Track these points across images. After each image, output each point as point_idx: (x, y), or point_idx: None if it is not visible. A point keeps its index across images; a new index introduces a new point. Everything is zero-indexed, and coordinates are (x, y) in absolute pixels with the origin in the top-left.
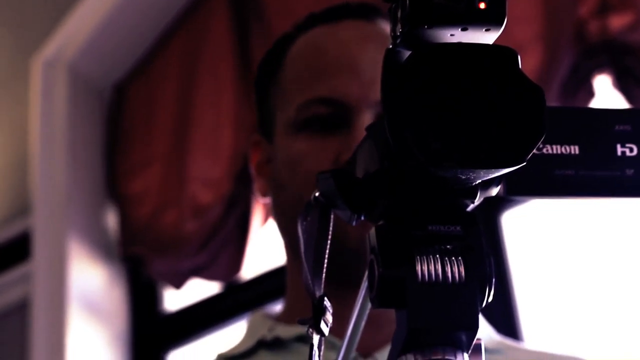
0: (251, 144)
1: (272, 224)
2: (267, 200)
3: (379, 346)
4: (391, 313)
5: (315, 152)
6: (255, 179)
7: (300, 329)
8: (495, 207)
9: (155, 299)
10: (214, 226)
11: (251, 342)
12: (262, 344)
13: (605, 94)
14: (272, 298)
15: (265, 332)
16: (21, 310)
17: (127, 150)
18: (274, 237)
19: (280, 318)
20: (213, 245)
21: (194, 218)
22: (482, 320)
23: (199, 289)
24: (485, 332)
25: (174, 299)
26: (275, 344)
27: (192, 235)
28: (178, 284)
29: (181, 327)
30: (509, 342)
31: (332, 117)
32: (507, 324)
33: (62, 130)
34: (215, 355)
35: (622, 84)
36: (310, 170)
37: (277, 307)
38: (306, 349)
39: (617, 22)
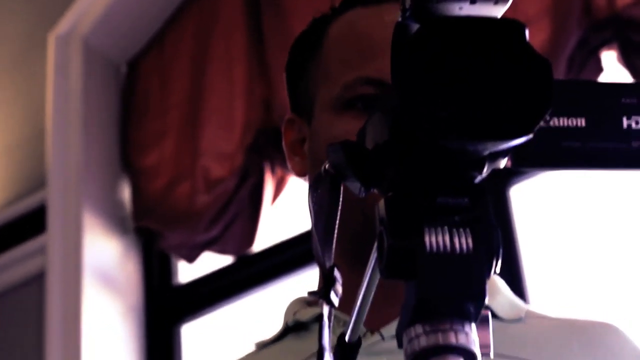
0: (284, 123)
1: (282, 201)
2: (305, 179)
3: (384, 322)
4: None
5: None
6: (289, 158)
7: (318, 310)
8: (503, 179)
9: (168, 271)
10: (226, 199)
11: (280, 328)
12: (288, 329)
13: (613, 68)
14: (285, 270)
15: (290, 317)
16: (39, 281)
17: (141, 124)
18: (286, 210)
19: (315, 302)
20: (225, 218)
21: (206, 191)
22: (505, 288)
23: (212, 261)
24: (508, 300)
25: (188, 271)
26: (297, 327)
27: (205, 209)
28: (191, 258)
29: (194, 299)
30: (533, 309)
31: (377, 97)
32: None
33: (77, 105)
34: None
35: (627, 58)
36: None
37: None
38: None
39: None
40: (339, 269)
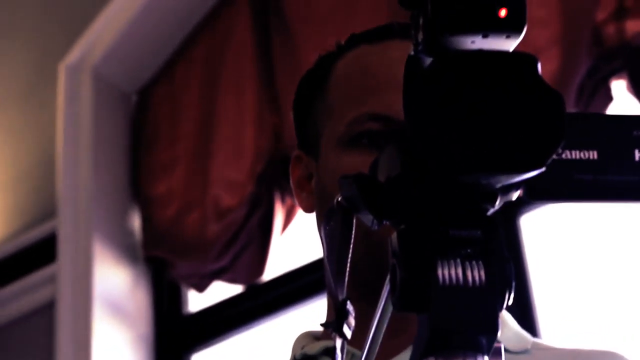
0: (292, 160)
1: (291, 231)
2: (312, 215)
3: (391, 354)
4: (406, 321)
5: (366, 166)
6: (296, 194)
7: (325, 343)
8: (514, 209)
9: (178, 300)
10: (236, 228)
11: None
12: None
13: (623, 97)
14: (294, 299)
15: (298, 351)
16: (49, 310)
17: (151, 153)
18: (295, 239)
19: (322, 336)
20: (235, 247)
21: (216, 220)
22: (511, 320)
23: (222, 290)
24: (514, 331)
25: (198, 300)
26: None
27: (215, 238)
28: (201, 287)
29: (204, 328)
30: (539, 341)
31: (383, 133)
32: (525, 326)
33: (87, 134)
34: None
35: (636, 87)
36: None
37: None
38: None
39: (634, 26)
40: (351, 302)
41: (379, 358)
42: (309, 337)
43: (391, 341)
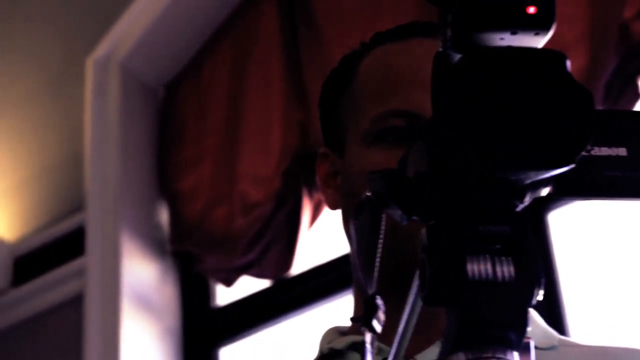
0: (318, 157)
1: (318, 226)
2: (337, 211)
3: (419, 348)
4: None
5: (390, 162)
6: (322, 191)
7: (352, 338)
8: (542, 206)
9: (206, 294)
10: (263, 223)
11: (315, 357)
12: (323, 357)
13: None
14: (322, 294)
15: (325, 345)
16: (78, 303)
17: (179, 148)
18: (322, 233)
19: (349, 331)
20: (263, 242)
21: (243, 215)
22: (538, 317)
23: (250, 283)
24: (541, 328)
25: (226, 294)
26: (331, 355)
27: (242, 233)
28: (229, 282)
29: (232, 322)
30: (565, 338)
31: (407, 129)
32: (553, 322)
33: (115, 128)
34: None
35: None
36: None
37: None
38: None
39: None
40: (381, 296)
41: (407, 353)
42: (336, 332)
43: (419, 336)
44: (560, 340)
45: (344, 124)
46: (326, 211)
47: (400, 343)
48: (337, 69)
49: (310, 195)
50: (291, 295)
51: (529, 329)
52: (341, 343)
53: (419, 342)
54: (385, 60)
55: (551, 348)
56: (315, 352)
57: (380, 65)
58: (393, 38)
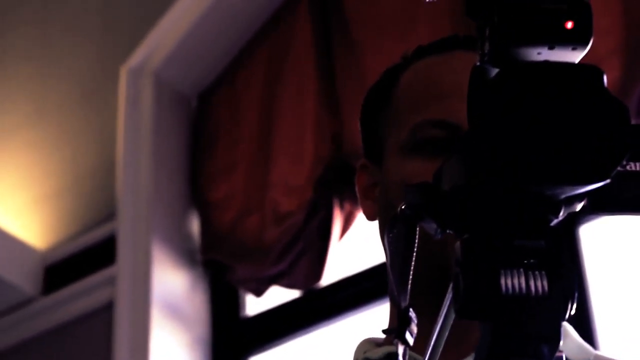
0: (358, 169)
1: (349, 237)
2: (375, 222)
3: (458, 358)
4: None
5: (428, 172)
6: (361, 202)
7: (388, 348)
8: (574, 219)
9: (236, 303)
10: (295, 233)
11: None
12: None
13: None
14: (352, 305)
15: (361, 355)
16: (108, 311)
17: (211, 157)
18: (354, 245)
19: (384, 342)
20: (294, 252)
21: (275, 225)
22: (573, 331)
23: (280, 293)
24: (576, 343)
25: (255, 304)
26: None
27: (273, 242)
28: (259, 292)
29: (262, 332)
30: (600, 353)
31: (446, 140)
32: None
33: (148, 137)
34: None
35: None
36: None
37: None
38: None
39: None
40: (414, 309)
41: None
42: (371, 343)
43: (452, 349)
44: (595, 356)
45: (384, 135)
46: (357, 222)
47: (432, 355)
48: (378, 81)
49: (342, 206)
50: (321, 306)
51: (562, 343)
52: (377, 353)
53: (451, 355)
54: (427, 72)
55: None
56: None
57: (421, 77)
58: (435, 51)
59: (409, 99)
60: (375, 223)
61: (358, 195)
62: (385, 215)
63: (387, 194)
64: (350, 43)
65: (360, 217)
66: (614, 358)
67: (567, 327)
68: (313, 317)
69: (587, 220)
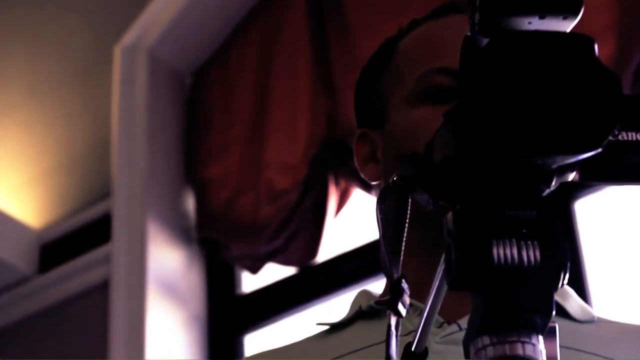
0: (355, 139)
1: (344, 214)
2: (379, 182)
3: (461, 313)
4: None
5: (437, 118)
6: (361, 168)
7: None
8: (569, 193)
9: (232, 281)
10: (290, 210)
11: (350, 314)
12: (359, 315)
13: None
14: (347, 281)
15: (364, 304)
16: (103, 290)
17: (206, 135)
18: (349, 221)
19: (382, 296)
20: (289, 229)
21: (270, 203)
22: (574, 294)
23: (276, 271)
24: (579, 303)
25: (251, 281)
26: (371, 313)
27: (268, 220)
28: (254, 269)
29: (258, 310)
30: (601, 315)
31: (452, 87)
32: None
33: (142, 116)
34: (314, 324)
35: None
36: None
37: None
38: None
39: None
40: (406, 280)
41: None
42: (368, 293)
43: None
44: (598, 317)
45: (387, 95)
46: (352, 199)
47: (425, 325)
48: (377, 51)
49: (337, 184)
50: (317, 283)
51: (566, 303)
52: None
53: (462, 306)
54: (426, 33)
55: (590, 322)
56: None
57: (421, 36)
58: (433, 16)
59: (411, 57)
60: (370, 200)
61: (357, 164)
62: (391, 173)
63: (397, 144)
64: (344, 23)
65: (355, 194)
66: (616, 320)
67: (568, 289)
68: (309, 294)
69: (582, 195)
